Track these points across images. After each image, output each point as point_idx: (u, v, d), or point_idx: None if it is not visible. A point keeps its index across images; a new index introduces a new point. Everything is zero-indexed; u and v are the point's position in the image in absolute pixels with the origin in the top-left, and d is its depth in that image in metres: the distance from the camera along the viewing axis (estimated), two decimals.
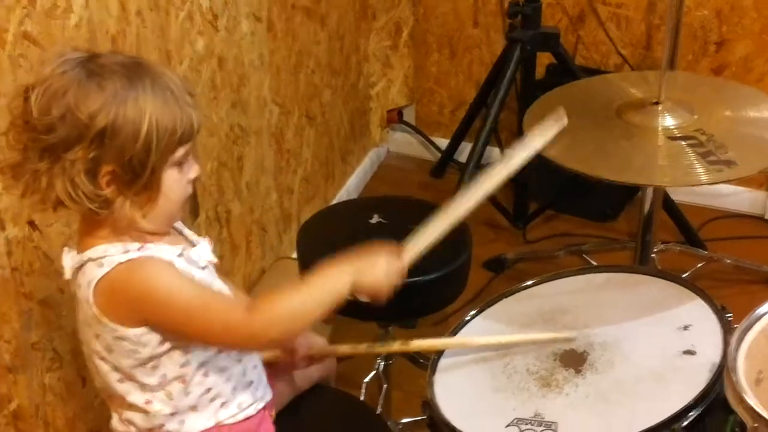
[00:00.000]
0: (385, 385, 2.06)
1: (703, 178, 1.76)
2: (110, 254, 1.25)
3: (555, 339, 1.58)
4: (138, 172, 1.22)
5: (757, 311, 1.41)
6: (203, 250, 1.37)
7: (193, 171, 1.31)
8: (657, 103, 1.95)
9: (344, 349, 1.67)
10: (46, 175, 1.22)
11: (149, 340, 1.28)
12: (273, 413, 1.50)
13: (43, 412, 1.65)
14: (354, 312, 1.83)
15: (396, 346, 1.63)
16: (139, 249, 1.26)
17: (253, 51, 2.28)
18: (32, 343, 1.61)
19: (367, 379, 2.08)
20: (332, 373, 1.70)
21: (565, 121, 1.61)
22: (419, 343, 1.65)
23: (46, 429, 1.67)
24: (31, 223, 1.56)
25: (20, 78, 1.47)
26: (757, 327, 1.40)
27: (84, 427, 1.77)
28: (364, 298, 1.40)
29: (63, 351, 1.68)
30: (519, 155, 1.58)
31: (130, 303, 1.26)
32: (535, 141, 1.60)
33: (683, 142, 1.85)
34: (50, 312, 1.64)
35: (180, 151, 1.25)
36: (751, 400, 1.24)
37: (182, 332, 1.29)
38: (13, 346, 1.56)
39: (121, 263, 1.25)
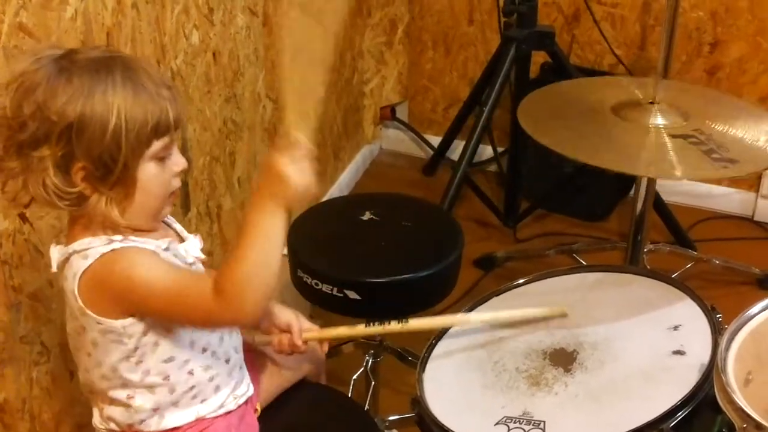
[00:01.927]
0: (373, 383, 2.07)
1: (712, 172, 1.78)
2: (94, 246, 1.25)
3: (550, 315, 1.59)
4: (110, 167, 1.21)
5: (747, 312, 1.41)
6: (191, 246, 1.36)
7: (177, 165, 1.29)
8: (653, 103, 1.97)
9: (340, 331, 1.59)
10: (22, 175, 1.22)
11: (133, 331, 1.28)
12: (258, 408, 1.51)
13: (29, 406, 1.64)
14: (343, 310, 1.83)
15: (392, 326, 1.58)
16: (121, 240, 1.25)
17: (248, 46, 2.27)
18: (20, 337, 1.60)
19: (355, 377, 2.09)
20: (320, 369, 1.70)
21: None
22: (417, 323, 1.59)
23: (32, 423, 1.66)
24: (22, 216, 1.55)
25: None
26: (747, 328, 1.40)
27: (70, 422, 1.76)
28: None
29: (51, 345, 1.68)
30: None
31: (112, 293, 1.25)
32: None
33: (685, 140, 1.86)
34: (39, 305, 1.63)
35: (156, 145, 1.23)
36: (741, 401, 1.24)
37: (166, 318, 1.29)
38: (1, 339, 1.55)
39: (104, 254, 1.24)
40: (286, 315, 1.52)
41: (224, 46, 2.16)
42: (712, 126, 1.94)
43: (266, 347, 1.57)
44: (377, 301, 1.85)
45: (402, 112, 3.33)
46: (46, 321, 1.65)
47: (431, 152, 3.23)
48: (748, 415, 1.22)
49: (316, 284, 1.83)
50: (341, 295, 1.82)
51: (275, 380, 1.57)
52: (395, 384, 2.19)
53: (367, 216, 2.01)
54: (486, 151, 3.12)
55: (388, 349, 2.14)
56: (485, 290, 1.79)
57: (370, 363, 2.07)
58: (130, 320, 1.27)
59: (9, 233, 1.53)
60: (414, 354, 2.14)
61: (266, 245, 1.23)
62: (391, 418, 1.98)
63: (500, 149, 3.08)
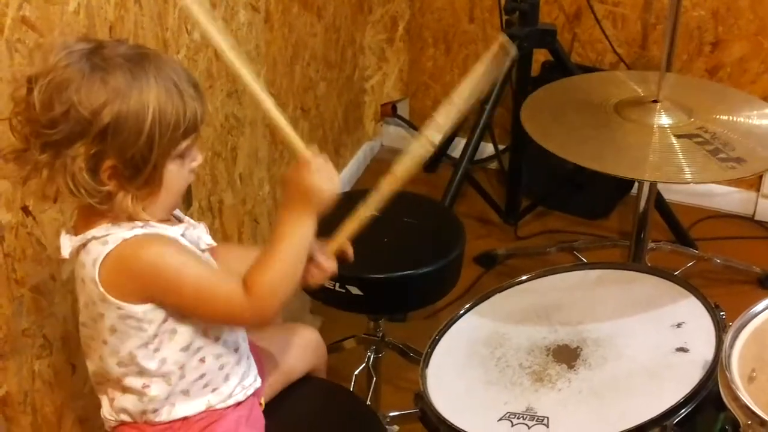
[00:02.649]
0: (375, 378, 2.07)
1: (719, 174, 1.77)
2: (114, 232, 1.25)
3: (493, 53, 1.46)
4: (140, 168, 1.21)
5: (751, 310, 1.42)
6: (202, 233, 1.36)
7: (196, 160, 1.30)
8: (656, 102, 1.96)
9: (353, 224, 1.49)
10: (47, 168, 1.21)
11: (153, 317, 1.28)
12: (262, 402, 1.50)
13: (31, 399, 1.64)
14: (345, 305, 1.83)
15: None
16: (143, 227, 1.26)
17: (249, 41, 2.27)
18: (23, 330, 1.59)
19: (356, 372, 2.09)
20: (323, 365, 1.70)
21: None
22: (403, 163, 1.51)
23: (34, 416, 1.65)
24: (25, 209, 1.55)
25: (17, 63, 1.46)
26: (751, 326, 1.40)
27: (72, 415, 1.76)
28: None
29: (53, 338, 1.67)
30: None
31: (137, 279, 1.25)
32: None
33: (690, 140, 1.85)
34: (42, 299, 1.63)
35: (183, 144, 1.24)
36: (745, 398, 1.24)
37: (188, 311, 1.29)
38: (4, 332, 1.55)
39: (126, 239, 1.24)
40: None
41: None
42: (717, 120, 1.93)
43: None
44: (379, 297, 1.85)
45: (403, 109, 3.33)
46: (49, 314, 1.65)
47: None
48: (753, 412, 1.23)
49: None
50: (343, 290, 1.82)
51: (279, 375, 1.57)
52: (396, 380, 2.19)
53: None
54: (487, 149, 3.12)
55: (389, 345, 2.14)
56: (486, 287, 1.79)
57: (371, 359, 2.07)
58: (150, 306, 1.27)
59: (12, 226, 1.53)
60: (415, 350, 2.15)
61: (297, 254, 1.31)
62: (392, 413, 1.98)
63: (501, 147, 3.08)
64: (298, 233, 1.30)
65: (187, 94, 1.23)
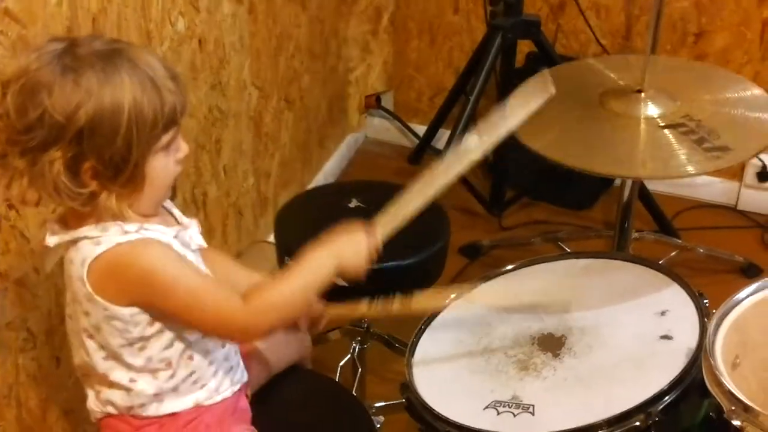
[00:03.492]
0: (360, 369, 2.07)
1: (705, 165, 1.76)
2: (108, 234, 1.24)
3: (552, 307, 1.60)
4: (121, 167, 1.20)
5: (734, 297, 1.43)
6: (194, 233, 1.36)
7: (181, 151, 1.29)
8: (640, 91, 1.95)
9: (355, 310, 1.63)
10: (26, 174, 1.20)
11: (140, 320, 1.27)
12: (249, 393, 1.50)
13: (15, 392, 1.63)
14: (329, 296, 1.83)
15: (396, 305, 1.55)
16: (137, 231, 1.24)
17: (233, 33, 2.26)
18: (6, 323, 1.59)
19: (342, 363, 2.09)
20: (308, 355, 1.70)
21: (552, 90, 1.53)
22: (420, 302, 1.57)
23: (19, 410, 1.65)
24: (8, 203, 1.54)
25: (0, 55, 1.45)
26: (734, 313, 1.42)
27: (57, 408, 1.75)
28: (341, 281, 1.40)
29: (37, 331, 1.66)
30: (497, 129, 1.51)
31: (128, 284, 1.24)
32: (517, 112, 1.52)
33: (675, 130, 1.85)
34: (25, 292, 1.62)
35: (164, 138, 1.23)
36: (729, 384, 1.25)
37: (178, 318, 1.29)
38: None
39: (120, 243, 1.23)
40: None
41: (210, 33, 2.15)
42: (703, 104, 1.92)
43: None
44: (363, 288, 1.85)
45: (387, 101, 3.32)
46: (33, 307, 1.64)
47: (416, 141, 3.22)
48: (736, 398, 1.24)
49: None
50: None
51: (264, 367, 1.57)
52: (382, 371, 2.20)
53: (353, 203, 2.01)
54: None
55: (375, 336, 2.14)
56: (470, 278, 1.79)
57: (356, 350, 2.08)
58: (137, 309, 1.26)
59: None
60: (401, 341, 2.15)
61: (307, 285, 1.34)
62: (377, 404, 1.98)
63: None
64: (318, 271, 1.34)
65: (164, 87, 1.20)
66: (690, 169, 1.76)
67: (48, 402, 1.72)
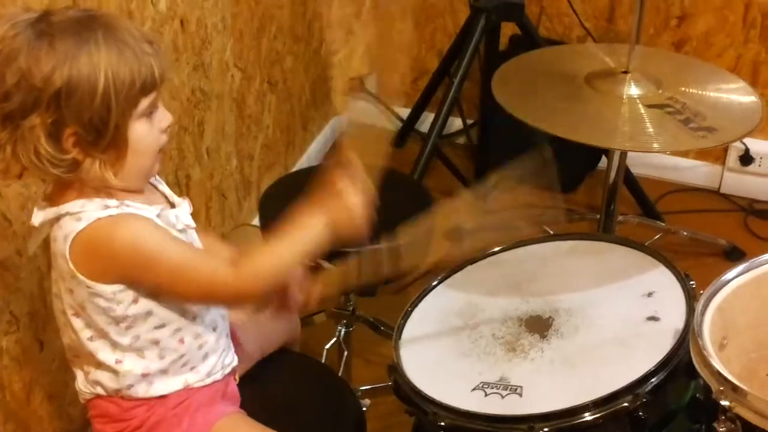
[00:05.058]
0: (346, 352, 2.06)
1: (692, 143, 1.78)
2: (88, 209, 1.23)
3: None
4: (101, 131, 1.19)
5: (722, 278, 1.43)
6: (182, 213, 1.34)
7: (164, 120, 1.28)
8: (626, 73, 1.97)
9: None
10: (9, 144, 1.19)
11: (122, 298, 1.26)
12: (237, 377, 1.49)
13: None
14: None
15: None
16: (118, 206, 1.24)
17: (216, 14, 2.24)
18: None
19: (327, 346, 2.08)
20: (296, 337, 1.69)
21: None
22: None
23: (2, 393, 1.63)
24: None
25: None
26: (722, 294, 1.42)
27: (41, 392, 1.74)
28: (326, 264, 1.38)
29: (20, 314, 1.65)
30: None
31: (109, 260, 1.23)
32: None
33: (662, 110, 1.86)
34: (8, 274, 1.60)
35: (144, 103, 1.22)
36: (717, 365, 1.25)
37: (165, 290, 1.28)
38: None
39: (100, 218, 1.22)
40: None
41: (192, 14, 2.12)
42: (686, 92, 1.94)
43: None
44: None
45: (371, 84, 3.30)
46: (15, 290, 1.62)
47: (399, 124, 3.21)
48: (725, 378, 1.24)
49: None
50: (313, 263, 1.80)
51: (254, 350, 1.56)
52: (367, 354, 2.19)
53: None
54: (455, 123, 3.11)
55: (360, 318, 2.13)
56: (454, 261, 1.78)
57: (342, 333, 2.07)
58: (120, 286, 1.25)
59: None
60: (386, 324, 2.15)
61: (299, 249, 1.30)
62: (363, 387, 1.98)
63: (469, 121, 3.07)
64: (310, 238, 1.30)
65: (140, 50, 1.20)
66: (678, 146, 1.76)
67: (32, 385, 1.71)
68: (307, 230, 1.30)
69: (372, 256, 1.48)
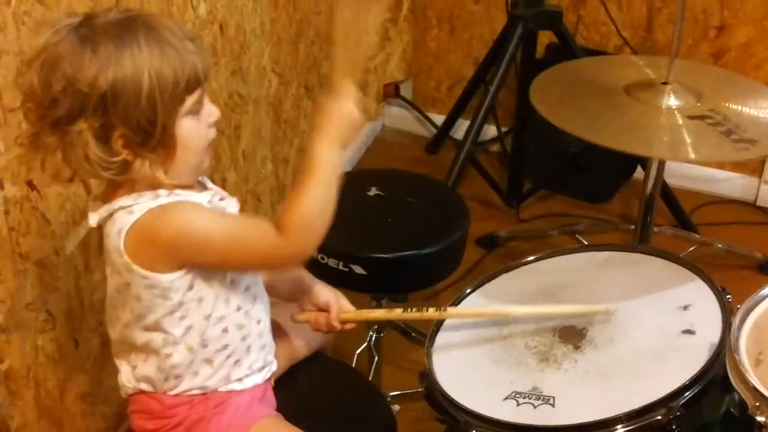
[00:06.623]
0: (376, 358, 2.06)
1: (734, 154, 1.77)
2: (140, 201, 1.25)
3: (594, 312, 1.56)
4: (149, 131, 1.20)
5: (760, 293, 1.42)
6: (230, 207, 1.35)
7: (212, 115, 1.29)
8: (665, 84, 1.96)
9: (378, 314, 1.71)
10: (59, 149, 1.21)
11: (179, 286, 1.28)
12: (272, 381, 1.50)
13: (34, 373, 1.64)
14: (348, 284, 1.83)
15: (430, 313, 1.54)
16: (169, 195, 1.26)
17: (254, 19, 2.25)
18: (26, 304, 1.59)
19: (358, 351, 2.08)
20: (330, 342, 1.70)
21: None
22: (454, 311, 1.60)
23: (37, 390, 1.65)
24: (30, 183, 1.54)
25: (24, 36, 1.45)
26: (760, 309, 1.40)
27: (75, 389, 1.76)
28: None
29: (57, 313, 1.67)
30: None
31: (164, 246, 1.25)
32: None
33: (702, 121, 1.86)
34: (45, 273, 1.62)
35: (189, 100, 1.23)
36: (754, 380, 1.24)
37: (225, 265, 1.30)
38: (7, 306, 1.54)
39: (152, 208, 1.24)
40: (325, 294, 1.53)
41: (231, 19, 2.14)
42: (726, 106, 1.93)
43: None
44: (382, 277, 1.85)
45: (406, 90, 3.32)
46: (53, 289, 1.64)
47: (434, 131, 3.22)
48: (761, 394, 1.23)
49: (322, 258, 1.82)
50: (347, 269, 1.82)
51: (288, 353, 1.56)
52: (398, 360, 2.19)
53: (373, 192, 2.00)
54: (490, 131, 3.11)
55: (391, 324, 2.13)
56: (487, 269, 1.78)
57: (373, 338, 2.07)
58: (176, 274, 1.27)
59: (17, 200, 1.52)
60: (417, 330, 2.15)
61: (329, 183, 1.28)
62: (393, 393, 1.98)
63: (504, 129, 3.07)
64: (329, 165, 1.29)
65: (182, 48, 1.21)
66: (720, 156, 1.75)
67: (66, 383, 1.73)
68: (323, 161, 1.28)
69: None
